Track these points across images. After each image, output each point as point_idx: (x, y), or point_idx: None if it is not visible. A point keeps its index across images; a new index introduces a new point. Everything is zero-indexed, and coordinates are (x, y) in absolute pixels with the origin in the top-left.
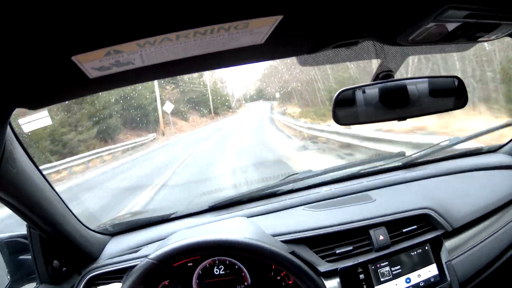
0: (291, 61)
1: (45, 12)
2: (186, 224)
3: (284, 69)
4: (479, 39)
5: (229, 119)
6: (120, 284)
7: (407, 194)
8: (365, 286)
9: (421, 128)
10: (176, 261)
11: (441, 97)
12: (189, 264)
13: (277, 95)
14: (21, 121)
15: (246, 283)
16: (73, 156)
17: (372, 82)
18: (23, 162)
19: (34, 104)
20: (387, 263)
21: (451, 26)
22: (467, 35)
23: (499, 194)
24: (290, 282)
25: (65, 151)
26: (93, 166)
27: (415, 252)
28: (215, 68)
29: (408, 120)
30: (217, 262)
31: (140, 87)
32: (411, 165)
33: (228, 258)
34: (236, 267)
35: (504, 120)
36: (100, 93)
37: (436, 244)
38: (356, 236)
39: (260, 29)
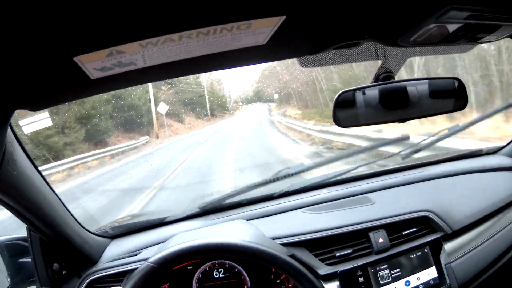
0: (291, 61)
1: (48, 12)
2: (185, 227)
3: (284, 70)
4: (480, 40)
5: (226, 121)
6: None
7: (407, 197)
8: None
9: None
10: (176, 264)
11: (441, 99)
12: (188, 267)
13: (276, 96)
14: (21, 122)
15: (246, 287)
16: (56, 162)
17: (372, 84)
18: (24, 164)
19: (35, 106)
20: (386, 266)
21: (452, 27)
22: (468, 36)
23: (499, 196)
24: (289, 285)
25: (50, 155)
26: (77, 173)
27: (414, 255)
28: (217, 69)
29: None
30: (217, 265)
31: (133, 87)
32: (410, 167)
33: (228, 261)
34: (236, 270)
35: None
36: None
37: (436, 247)
38: (355, 238)
39: (262, 29)
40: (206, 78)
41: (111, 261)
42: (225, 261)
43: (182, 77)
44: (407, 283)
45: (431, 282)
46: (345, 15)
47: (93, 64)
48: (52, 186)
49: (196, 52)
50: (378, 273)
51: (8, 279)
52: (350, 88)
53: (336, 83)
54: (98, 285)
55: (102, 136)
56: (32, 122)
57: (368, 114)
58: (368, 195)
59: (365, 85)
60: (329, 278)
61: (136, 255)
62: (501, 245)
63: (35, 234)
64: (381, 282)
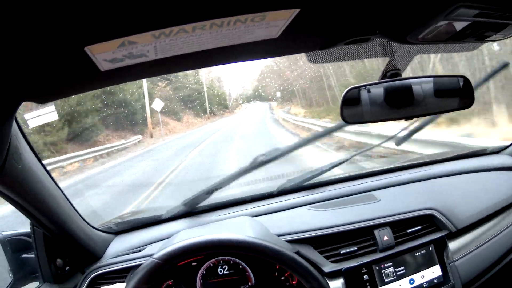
0: (294, 58)
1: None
2: (190, 223)
3: (286, 67)
4: (487, 39)
5: (226, 120)
6: (123, 284)
7: (412, 195)
8: (369, 287)
9: None
10: (181, 261)
11: (447, 97)
12: (193, 264)
13: (278, 94)
14: (27, 116)
15: (250, 283)
16: None
17: (378, 81)
18: (29, 159)
19: (42, 98)
20: (391, 263)
21: (460, 25)
22: (476, 34)
23: (503, 195)
24: (294, 282)
25: None
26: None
27: (419, 253)
28: (227, 63)
29: None
30: (221, 262)
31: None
32: (415, 165)
33: (232, 258)
34: (240, 267)
35: None
36: None
37: (440, 245)
38: (360, 236)
39: (276, 22)
40: (205, 75)
41: (115, 257)
42: (230, 257)
43: (181, 73)
44: (412, 281)
45: (435, 281)
46: (357, 10)
47: (104, 55)
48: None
49: (208, 45)
50: (382, 270)
51: (11, 275)
52: (358, 85)
53: (349, 78)
54: (102, 281)
55: (89, 135)
56: (38, 116)
57: (373, 112)
58: (373, 192)
59: (371, 82)
60: (334, 275)
61: (140, 251)
62: (505, 244)
63: (39, 229)
64: (386, 280)
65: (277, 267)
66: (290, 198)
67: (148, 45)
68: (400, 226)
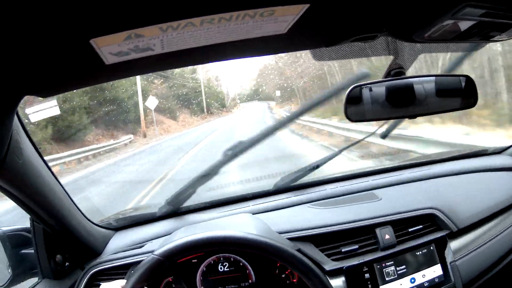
0: (294, 57)
1: None
2: (191, 219)
3: (286, 66)
4: (492, 39)
5: (224, 120)
6: (124, 281)
7: (413, 194)
8: (370, 286)
9: None
10: (181, 258)
11: (449, 97)
12: (193, 261)
13: (278, 93)
14: (28, 110)
15: (250, 281)
16: None
17: (381, 79)
18: (30, 153)
19: (45, 92)
20: (392, 262)
21: (466, 24)
22: (481, 34)
23: (504, 195)
24: (294, 280)
25: None
26: None
27: (420, 252)
28: (234, 58)
29: None
30: (221, 259)
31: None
32: (416, 164)
33: (233, 255)
34: (241, 264)
35: None
36: None
37: (441, 244)
38: (362, 234)
39: (285, 17)
40: (203, 74)
41: (115, 253)
42: (230, 255)
43: (177, 71)
44: (412, 280)
45: (436, 280)
46: (366, 7)
47: (109, 48)
48: None
49: (215, 39)
50: (384, 269)
51: (10, 271)
52: (361, 83)
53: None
54: (102, 277)
55: (77, 134)
56: (40, 110)
57: (374, 110)
58: (374, 191)
59: (374, 80)
60: (335, 273)
61: (140, 247)
62: (505, 245)
63: (39, 225)
64: (387, 279)
65: (278, 264)
66: (291, 195)
67: (154, 38)
68: (402, 225)
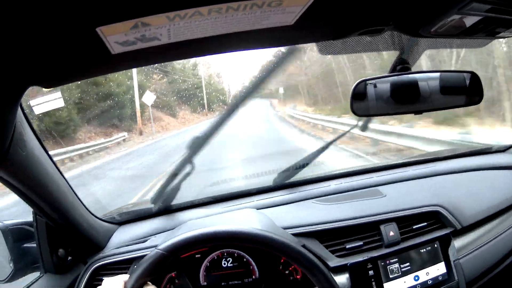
0: (299, 52)
1: None
2: (194, 214)
3: (289, 61)
4: (498, 35)
5: None
6: (126, 275)
7: (417, 191)
8: (374, 283)
9: None
10: (185, 252)
11: (454, 93)
12: (196, 256)
13: (281, 90)
14: (32, 102)
15: (254, 277)
16: None
17: (387, 74)
18: (33, 146)
19: (50, 83)
20: (396, 259)
21: (472, 20)
22: (487, 30)
23: (508, 194)
24: (298, 276)
25: None
26: None
27: (424, 250)
28: (240, 50)
29: None
30: (225, 254)
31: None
32: (421, 161)
33: (236, 251)
34: (245, 260)
35: None
36: None
37: (445, 242)
38: (366, 231)
39: (292, 8)
40: (204, 70)
41: (118, 247)
42: (234, 250)
43: (178, 66)
44: (416, 278)
45: (440, 278)
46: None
47: (116, 37)
48: None
49: (222, 30)
50: (388, 266)
51: (11, 265)
52: (366, 78)
53: (369, 70)
54: (104, 271)
55: (65, 131)
56: (44, 102)
57: (379, 106)
58: (379, 188)
59: (379, 76)
60: (339, 270)
61: (144, 242)
62: (509, 243)
63: (41, 218)
64: (391, 276)
65: (282, 260)
66: (295, 191)
67: (161, 27)
68: (406, 222)
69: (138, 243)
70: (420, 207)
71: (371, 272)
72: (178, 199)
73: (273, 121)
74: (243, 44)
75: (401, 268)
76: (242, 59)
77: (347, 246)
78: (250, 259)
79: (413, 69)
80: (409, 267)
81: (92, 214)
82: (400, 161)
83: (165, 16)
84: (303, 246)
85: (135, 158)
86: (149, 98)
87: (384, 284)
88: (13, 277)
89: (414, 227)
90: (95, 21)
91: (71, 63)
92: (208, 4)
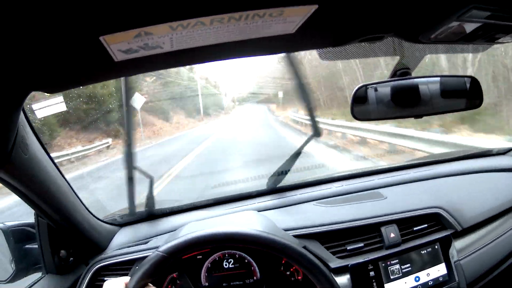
0: (299, 56)
1: None
2: (195, 216)
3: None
4: (497, 41)
5: (222, 122)
6: (128, 277)
7: (418, 193)
8: (375, 284)
9: None
10: (186, 254)
11: (454, 97)
12: (198, 257)
13: (280, 94)
14: (35, 106)
15: (255, 278)
16: None
17: (388, 79)
18: (35, 149)
19: (52, 88)
20: (397, 261)
21: (472, 26)
22: (487, 36)
23: (509, 196)
24: (299, 277)
25: None
26: None
27: (425, 251)
28: (242, 57)
29: None
30: (226, 255)
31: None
32: (422, 164)
33: (238, 252)
34: (246, 261)
35: None
36: None
37: (446, 244)
38: (367, 233)
39: (293, 18)
40: (200, 73)
41: (120, 248)
42: (235, 251)
43: (173, 69)
44: (417, 279)
45: (440, 279)
46: (372, 8)
47: (119, 45)
48: None
49: (224, 38)
50: (388, 267)
51: (13, 265)
52: (367, 83)
53: (378, 72)
54: (106, 273)
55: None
56: (46, 106)
57: (379, 110)
58: (380, 190)
59: (380, 80)
60: (340, 271)
61: (145, 243)
62: (509, 245)
63: (43, 219)
64: (392, 277)
65: (283, 262)
66: (296, 193)
67: (164, 36)
68: (407, 224)
69: (140, 244)
70: (420, 209)
71: (372, 273)
72: (180, 201)
73: (275, 126)
74: (244, 51)
75: (401, 269)
76: (239, 63)
77: (348, 248)
78: (252, 260)
79: (414, 74)
80: (409, 268)
81: (94, 216)
82: (401, 163)
83: (168, 26)
84: (304, 247)
85: (111, 172)
86: (138, 101)
87: (385, 285)
88: (14, 277)
89: (414, 228)
90: (98, 30)
91: (74, 70)
92: (210, 14)
